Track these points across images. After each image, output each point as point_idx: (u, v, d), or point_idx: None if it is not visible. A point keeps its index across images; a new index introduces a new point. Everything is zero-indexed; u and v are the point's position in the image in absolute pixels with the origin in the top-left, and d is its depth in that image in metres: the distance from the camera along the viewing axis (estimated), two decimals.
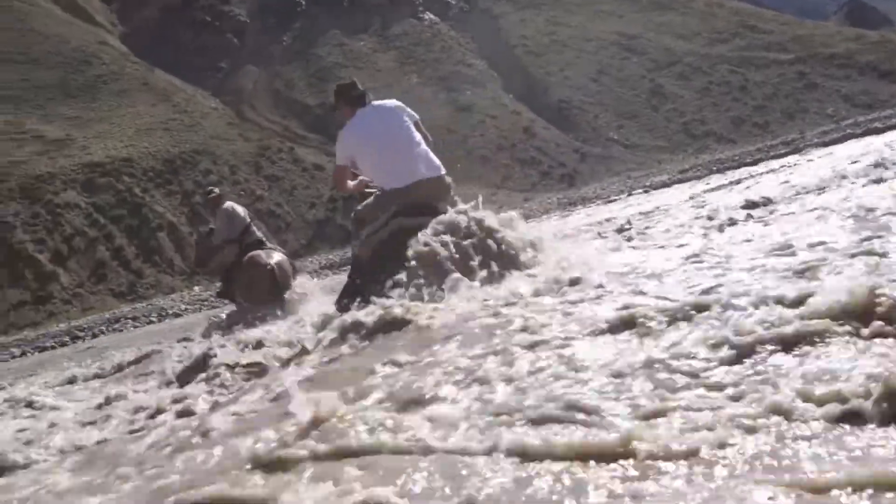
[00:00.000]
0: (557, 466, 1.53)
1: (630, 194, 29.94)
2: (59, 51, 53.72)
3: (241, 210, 11.13)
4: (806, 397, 1.56)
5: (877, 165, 7.68)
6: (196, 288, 29.26)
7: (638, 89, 60.54)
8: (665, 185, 30.37)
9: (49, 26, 56.53)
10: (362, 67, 64.31)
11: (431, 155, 5.42)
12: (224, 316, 10.54)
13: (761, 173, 17.78)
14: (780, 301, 2.21)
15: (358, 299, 4.44)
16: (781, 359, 1.84)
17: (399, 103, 5.64)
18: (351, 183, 5.90)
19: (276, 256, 10.28)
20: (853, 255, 2.77)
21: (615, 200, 27.87)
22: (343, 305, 4.91)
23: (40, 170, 39.90)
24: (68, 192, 38.89)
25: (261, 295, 9.81)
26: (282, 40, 67.72)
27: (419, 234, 4.56)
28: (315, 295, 8.30)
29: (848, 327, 1.90)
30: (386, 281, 4.39)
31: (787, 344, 1.90)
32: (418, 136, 5.45)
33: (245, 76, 63.90)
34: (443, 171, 5.41)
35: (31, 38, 54.36)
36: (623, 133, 56.86)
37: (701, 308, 2.38)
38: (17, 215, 37.10)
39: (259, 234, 11.04)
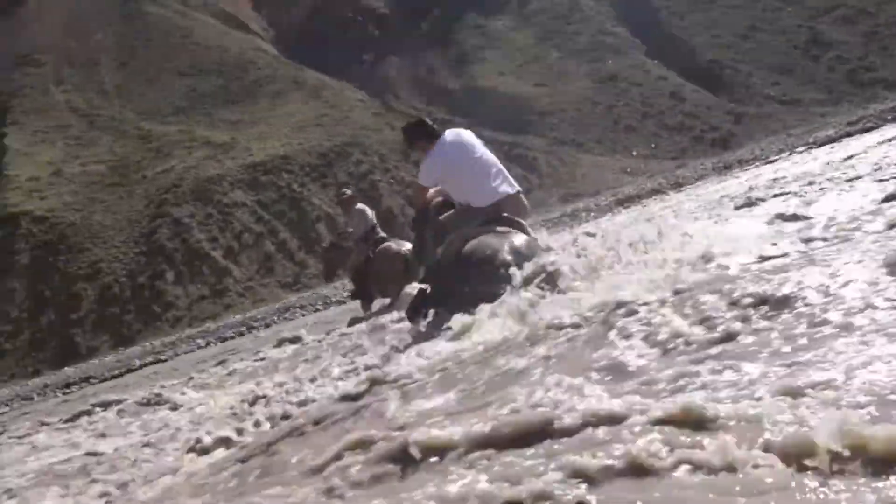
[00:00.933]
0: None
1: (792, 153, 28.14)
2: (220, 60, 57.54)
3: (369, 211, 11.90)
4: None
5: None
6: None
7: (794, 40, 56.50)
8: (832, 140, 28.20)
9: (210, 38, 60.64)
10: (501, 47, 64.22)
11: (508, 175, 6.07)
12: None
13: None
14: None
15: (432, 310, 4.90)
16: None
17: (470, 132, 6.32)
18: (431, 191, 6.43)
19: (406, 245, 10.89)
20: None
21: (774, 161, 26.33)
22: (414, 315, 5.33)
23: (210, 172, 42.99)
24: (235, 191, 41.66)
25: (396, 281, 10.32)
26: (420, 28, 68.82)
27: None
28: None
29: None
30: (467, 291, 4.77)
31: None
32: (494, 158, 6.10)
33: (388, 67, 65.58)
34: (519, 189, 6.06)
35: (195, 51, 58.59)
36: (780, 89, 53.36)
37: None
38: (192, 216, 40.24)
39: (382, 233, 11.76)
